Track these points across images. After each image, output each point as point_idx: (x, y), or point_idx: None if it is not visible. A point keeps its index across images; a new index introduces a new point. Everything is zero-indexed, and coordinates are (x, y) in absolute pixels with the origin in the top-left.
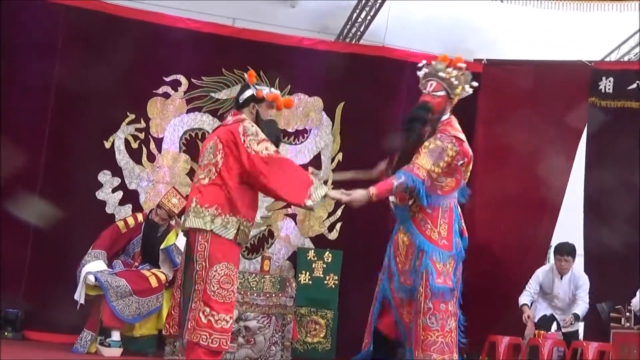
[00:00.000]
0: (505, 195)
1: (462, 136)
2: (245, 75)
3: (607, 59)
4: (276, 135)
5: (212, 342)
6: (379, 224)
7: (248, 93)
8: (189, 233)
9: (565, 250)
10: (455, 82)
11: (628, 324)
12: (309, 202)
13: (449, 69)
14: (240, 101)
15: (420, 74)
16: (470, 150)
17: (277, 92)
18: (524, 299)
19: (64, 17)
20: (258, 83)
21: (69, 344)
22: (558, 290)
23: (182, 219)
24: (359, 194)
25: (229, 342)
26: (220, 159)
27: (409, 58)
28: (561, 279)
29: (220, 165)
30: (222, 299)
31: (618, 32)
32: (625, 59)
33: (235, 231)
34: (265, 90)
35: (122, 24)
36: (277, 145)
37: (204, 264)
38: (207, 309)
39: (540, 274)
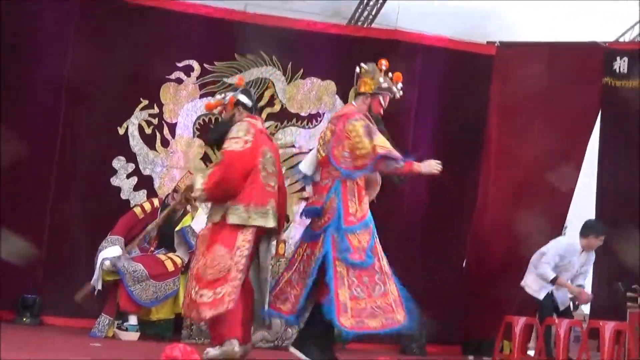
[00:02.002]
0: (520, 177)
1: None
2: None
3: (622, 39)
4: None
5: None
6: (390, 205)
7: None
8: None
9: (604, 230)
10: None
11: None
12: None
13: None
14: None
15: None
16: None
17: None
18: (550, 273)
19: (77, 5)
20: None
21: (86, 329)
22: (573, 265)
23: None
24: None
25: None
26: None
27: (421, 41)
28: (581, 253)
29: None
30: None
31: (632, 13)
32: None
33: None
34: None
35: (134, 11)
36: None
37: None
38: None
39: (560, 245)
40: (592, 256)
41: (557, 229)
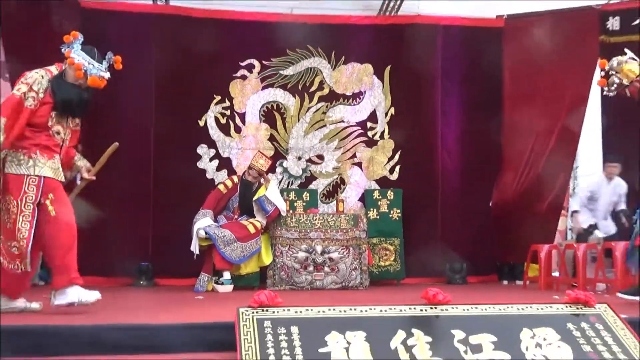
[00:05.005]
0: (533, 126)
1: None
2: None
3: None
4: (62, 97)
5: None
6: (430, 164)
7: (62, 48)
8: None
9: (613, 158)
10: (624, 79)
11: None
12: None
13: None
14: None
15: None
16: None
17: (87, 65)
18: (574, 205)
19: (156, 20)
20: (82, 46)
21: (190, 286)
22: (604, 195)
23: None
24: None
25: None
26: None
27: (440, 22)
28: (609, 182)
29: None
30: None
31: None
32: None
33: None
34: (77, 57)
35: (203, 23)
36: (60, 108)
37: None
38: None
39: (591, 183)
40: (619, 187)
41: (568, 167)
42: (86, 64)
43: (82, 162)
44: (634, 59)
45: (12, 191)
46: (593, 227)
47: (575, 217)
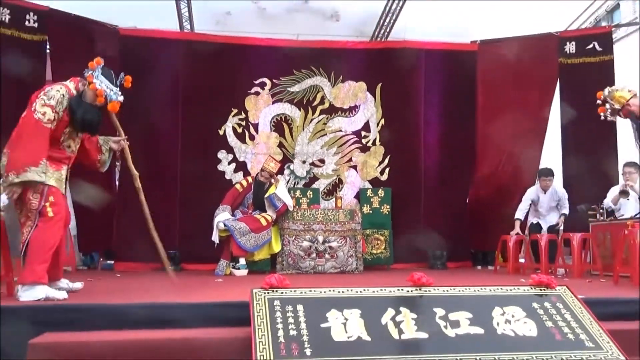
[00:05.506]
0: (503, 135)
1: None
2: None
3: (573, 25)
4: (81, 116)
5: None
6: (414, 166)
7: (85, 72)
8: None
9: (546, 173)
10: (616, 105)
11: (602, 218)
12: (10, 176)
13: (610, 103)
14: (84, 74)
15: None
16: None
17: (107, 92)
18: (517, 214)
19: (182, 49)
20: (104, 72)
21: (211, 270)
22: (543, 202)
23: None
24: None
25: None
26: None
27: (423, 47)
28: (545, 193)
29: None
30: None
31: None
32: (584, 25)
33: None
34: (98, 83)
35: (222, 47)
36: (79, 127)
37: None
38: None
39: (529, 193)
40: (558, 194)
41: (533, 170)
42: (107, 91)
43: (107, 144)
44: (623, 87)
45: (28, 196)
46: (536, 224)
47: (516, 223)
